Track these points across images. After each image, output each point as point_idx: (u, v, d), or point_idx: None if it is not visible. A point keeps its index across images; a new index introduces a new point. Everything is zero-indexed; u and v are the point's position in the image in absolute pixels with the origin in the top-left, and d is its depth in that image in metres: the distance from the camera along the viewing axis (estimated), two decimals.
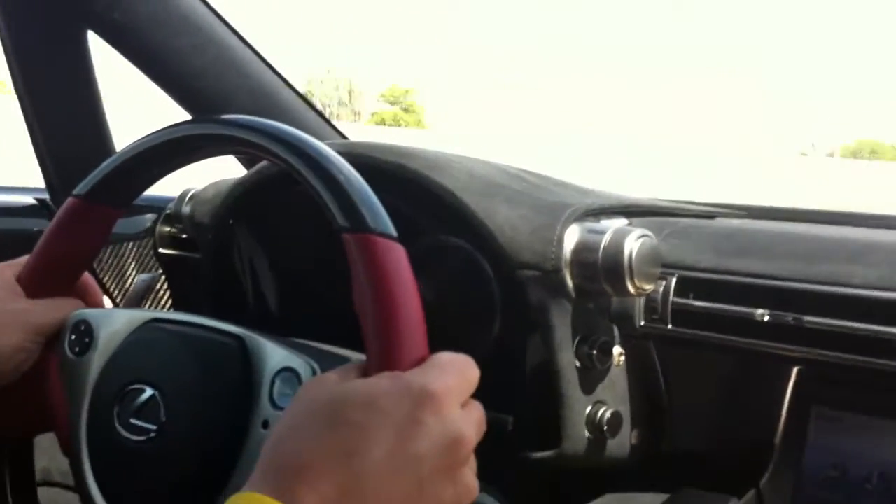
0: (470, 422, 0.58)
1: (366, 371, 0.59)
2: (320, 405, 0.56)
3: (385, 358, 0.59)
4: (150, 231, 1.35)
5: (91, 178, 0.76)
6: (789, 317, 0.84)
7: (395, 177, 0.94)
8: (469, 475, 0.58)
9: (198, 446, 0.71)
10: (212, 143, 0.73)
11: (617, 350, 0.91)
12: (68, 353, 0.76)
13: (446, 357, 0.60)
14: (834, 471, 0.90)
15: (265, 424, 0.69)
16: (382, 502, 0.53)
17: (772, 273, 0.86)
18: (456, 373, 0.58)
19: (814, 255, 0.87)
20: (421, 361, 0.59)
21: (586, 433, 0.90)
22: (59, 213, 0.77)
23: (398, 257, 0.61)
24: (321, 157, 0.65)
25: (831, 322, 0.82)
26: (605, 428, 0.90)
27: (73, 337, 0.76)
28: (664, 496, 0.96)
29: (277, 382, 0.70)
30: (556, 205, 0.90)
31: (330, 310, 1.06)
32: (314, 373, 0.71)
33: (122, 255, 1.35)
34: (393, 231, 0.62)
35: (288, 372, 0.71)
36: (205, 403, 0.72)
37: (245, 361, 0.71)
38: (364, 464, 0.53)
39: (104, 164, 0.76)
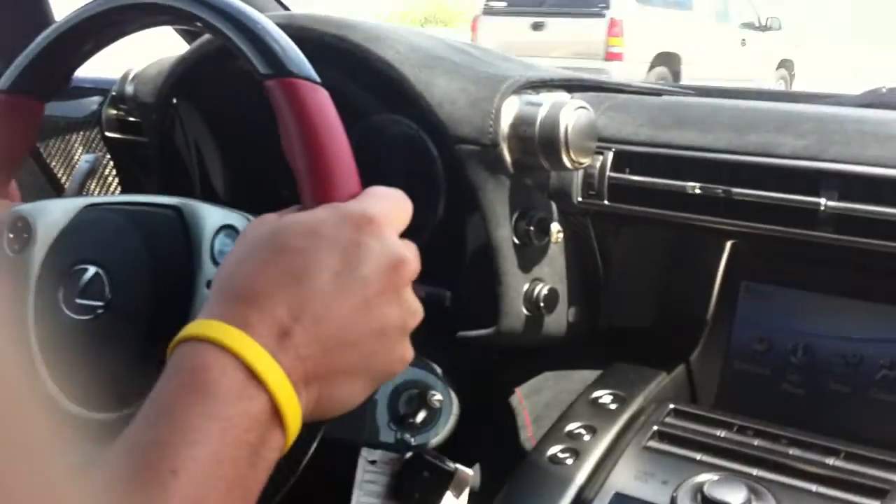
0: (409, 248, 0.60)
1: (301, 208, 0.61)
2: (265, 238, 0.57)
3: (319, 192, 0.60)
4: (97, 114, 1.33)
5: (11, 72, 0.74)
6: (719, 189, 0.85)
7: (336, 49, 0.93)
8: (413, 298, 0.60)
9: (145, 316, 0.71)
10: (125, 14, 0.72)
11: (555, 226, 0.92)
12: (8, 251, 0.75)
13: (380, 188, 0.61)
14: (760, 344, 0.92)
15: (209, 284, 0.70)
16: (331, 322, 0.55)
17: (704, 145, 0.87)
18: (392, 200, 0.61)
19: (745, 125, 0.88)
20: (355, 195, 0.61)
21: (524, 310, 0.91)
22: None
23: (322, 98, 0.62)
24: (236, 11, 0.65)
25: (759, 193, 0.84)
26: (542, 305, 0.91)
27: (11, 235, 0.75)
28: (596, 373, 0.98)
29: (218, 240, 0.71)
30: (496, 77, 0.90)
31: (277, 192, 1.06)
32: None
33: (70, 140, 1.34)
34: (315, 76, 0.63)
35: (227, 229, 0.72)
36: (148, 274, 0.72)
37: (184, 227, 0.72)
38: (312, 286, 0.55)
39: (22, 55, 0.74)
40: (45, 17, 1.38)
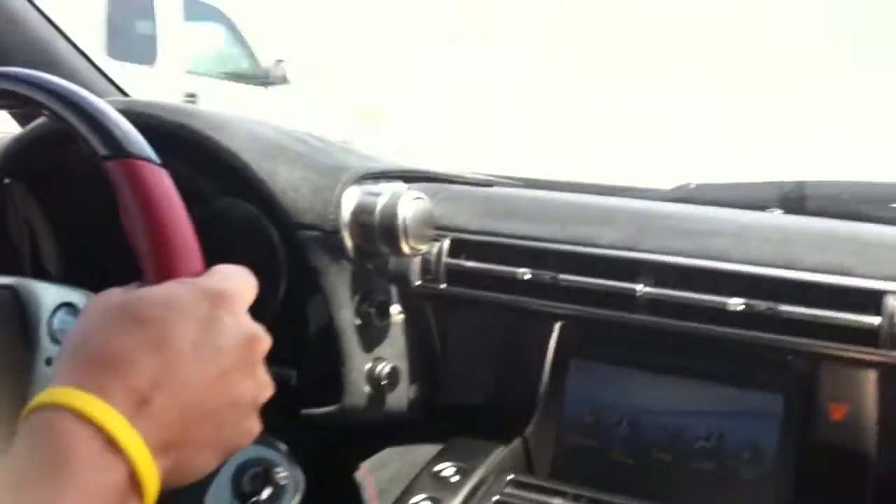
0: (260, 328, 0.61)
1: (146, 284, 0.60)
2: (117, 309, 0.56)
3: (165, 270, 0.60)
4: None
5: None
6: (547, 275, 0.92)
7: (177, 137, 0.94)
8: (264, 373, 0.60)
9: None
10: None
11: (395, 308, 0.96)
12: None
13: (227, 266, 0.62)
14: (590, 417, 0.98)
15: (48, 362, 0.69)
16: (189, 391, 0.54)
17: (532, 234, 0.94)
18: (239, 278, 0.61)
19: (568, 218, 0.96)
20: (199, 273, 0.61)
21: (366, 388, 0.95)
22: None
23: (162, 178, 0.63)
24: (74, 95, 0.65)
25: (582, 280, 0.91)
26: (384, 382, 0.95)
27: None
28: (439, 447, 1.01)
29: (56, 318, 0.71)
30: (336, 168, 0.94)
31: (112, 275, 1.04)
32: None
33: None
34: (155, 157, 0.63)
35: (67, 306, 0.72)
36: None
37: (18, 306, 0.71)
38: (171, 356, 0.54)
39: None
40: None
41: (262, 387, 0.60)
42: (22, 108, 0.89)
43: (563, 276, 0.91)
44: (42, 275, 1.09)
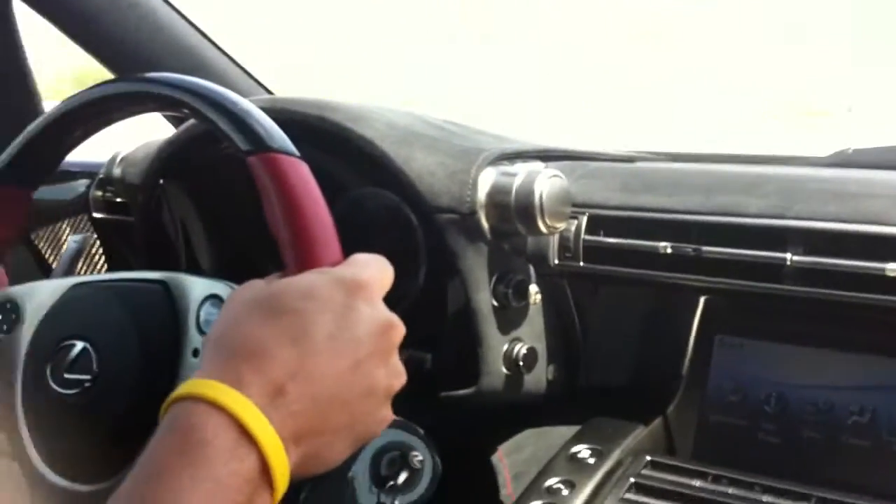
0: (394, 315, 0.62)
1: (287, 275, 0.62)
2: (258, 300, 0.58)
3: (305, 259, 0.62)
4: (84, 197, 1.36)
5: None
6: (690, 248, 0.89)
7: (318, 129, 0.97)
8: (398, 362, 0.62)
9: (133, 389, 0.72)
10: (113, 103, 0.74)
11: (533, 288, 0.96)
12: None
13: (362, 256, 0.63)
14: (735, 395, 0.95)
15: (195, 353, 0.71)
16: (324, 381, 0.56)
17: (673, 207, 0.92)
18: (377, 267, 0.62)
19: (712, 188, 0.92)
20: (338, 262, 0.63)
21: (504, 369, 0.95)
22: None
23: (302, 171, 0.64)
24: (214, 94, 0.68)
25: (728, 251, 0.88)
26: (522, 364, 0.95)
27: (0, 317, 0.77)
28: (576, 429, 1.00)
29: (203, 310, 0.73)
30: (472, 150, 0.94)
31: (262, 269, 1.08)
32: None
33: (58, 223, 1.36)
34: (295, 150, 0.65)
35: (213, 298, 0.73)
36: (135, 347, 0.73)
37: (170, 299, 0.74)
38: (308, 346, 0.56)
39: (12, 145, 0.76)
40: (34, 102, 1.42)
41: (396, 375, 0.61)
42: (171, 111, 0.93)
43: (707, 249, 0.88)
44: (196, 270, 1.15)
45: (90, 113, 0.75)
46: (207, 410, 0.53)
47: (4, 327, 0.76)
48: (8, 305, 0.77)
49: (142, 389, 0.72)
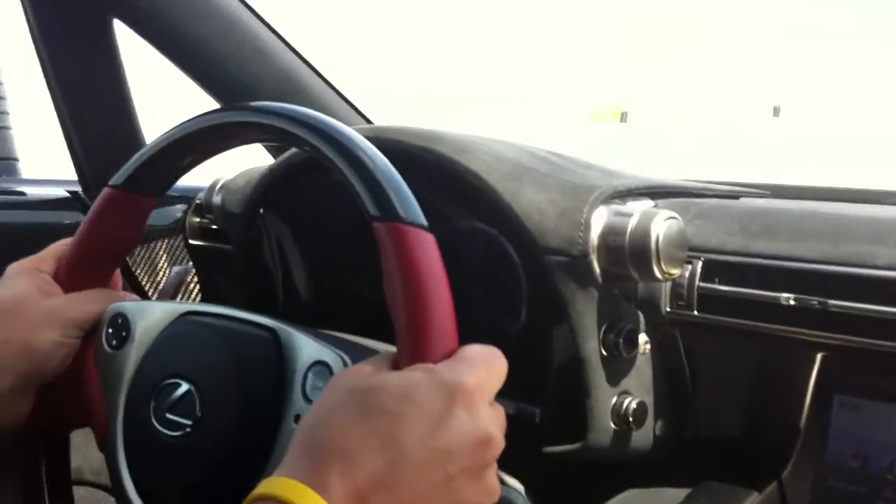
0: (497, 422, 0.59)
1: (396, 363, 0.60)
2: (355, 393, 0.56)
3: (416, 350, 0.60)
4: (181, 222, 1.36)
5: (127, 168, 0.77)
6: (814, 301, 0.84)
7: (423, 161, 0.94)
8: (493, 477, 0.58)
9: (232, 441, 0.71)
10: (242, 130, 0.74)
11: (643, 338, 0.91)
12: (105, 346, 0.76)
13: (476, 350, 0.60)
14: (855, 461, 0.89)
15: (297, 419, 0.69)
16: (409, 494, 0.53)
17: (797, 255, 0.86)
18: (486, 367, 0.59)
19: (839, 235, 0.87)
20: (451, 354, 0.60)
21: (612, 425, 0.90)
22: (96, 203, 0.78)
23: (429, 247, 0.62)
24: (351, 145, 0.66)
25: (856, 305, 0.82)
26: (631, 419, 0.90)
27: (111, 330, 0.77)
28: (685, 490, 0.95)
29: (310, 376, 0.70)
30: (583, 187, 0.90)
31: (361, 299, 1.07)
32: (345, 366, 0.71)
33: (154, 248, 1.37)
34: (423, 220, 0.63)
35: (320, 365, 0.71)
36: (239, 398, 0.72)
37: (278, 354, 0.72)
38: (397, 454, 0.53)
39: (139, 153, 0.77)
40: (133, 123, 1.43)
41: (489, 493, 0.58)
42: (295, 147, 0.92)
43: (833, 302, 0.83)
44: (294, 299, 1.13)
45: (213, 136, 0.75)
46: None
47: (114, 342, 0.77)
48: (119, 321, 0.77)
49: (241, 445, 0.71)
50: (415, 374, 0.57)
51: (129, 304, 0.78)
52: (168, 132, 0.76)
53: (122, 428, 0.75)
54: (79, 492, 1.17)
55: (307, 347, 0.72)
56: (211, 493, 0.71)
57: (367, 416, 0.55)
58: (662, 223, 0.86)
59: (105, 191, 0.78)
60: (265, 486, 0.53)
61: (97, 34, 1.35)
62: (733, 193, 1.10)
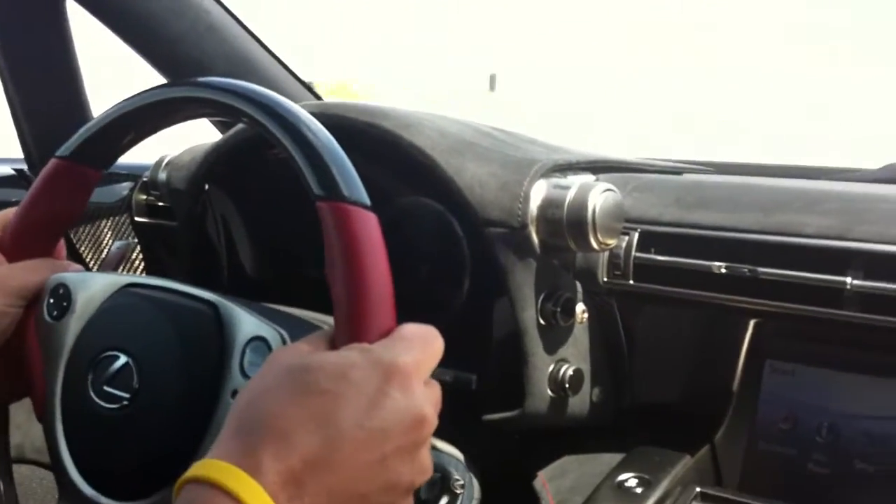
0: (433, 401, 0.59)
1: (333, 341, 0.61)
2: (291, 371, 0.56)
3: (353, 329, 0.60)
4: (127, 200, 1.36)
5: (74, 140, 0.77)
6: (745, 268, 0.86)
7: (368, 136, 0.95)
8: (427, 455, 0.59)
9: (169, 415, 0.71)
10: (188, 105, 0.74)
11: (580, 307, 0.92)
12: (46, 316, 0.76)
13: (412, 329, 0.61)
14: (785, 423, 0.92)
15: (234, 394, 0.69)
16: (344, 474, 0.54)
17: (730, 225, 0.89)
18: (422, 346, 0.60)
19: (770, 205, 0.89)
20: (388, 333, 0.60)
21: (549, 392, 0.91)
22: (42, 173, 0.78)
23: (371, 227, 0.62)
24: (296, 121, 0.66)
25: (785, 273, 0.85)
26: (567, 386, 0.91)
27: (52, 301, 0.76)
28: (620, 456, 0.97)
29: (248, 352, 0.70)
30: (524, 161, 0.92)
31: (304, 275, 1.08)
32: (284, 342, 0.72)
33: (99, 225, 1.36)
34: (366, 199, 0.63)
35: (258, 341, 0.71)
36: (177, 371, 0.72)
37: (218, 329, 0.72)
38: (333, 433, 0.53)
39: (86, 126, 0.77)
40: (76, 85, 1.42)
41: (422, 471, 0.58)
42: (241, 123, 0.91)
43: (763, 270, 0.85)
44: (240, 273, 1.14)
45: (160, 111, 0.75)
46: (219, 498, 0.51)
47: (55, 313, 0.76)
48: (61, 291, 0.77)
49: (178, 418, 0.71)
50: (351, 354, 0.57)
51: (72, 275, 0.78)
52: (115, 106, 0.76)
53: (60, 399, 0.75)
54: (20, 470, 1.16)
55: (246, 322, 0.72)
56: (149, 465, 0.71)
57: (302, 395, 0.55)
58: (599, 195, 0.88)
59: (52, 161, 0.77)
60: (197, 469, 0.53)
61: (47, 9, 1.34)
62: (675, 169, 1.13)
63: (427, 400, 0.58)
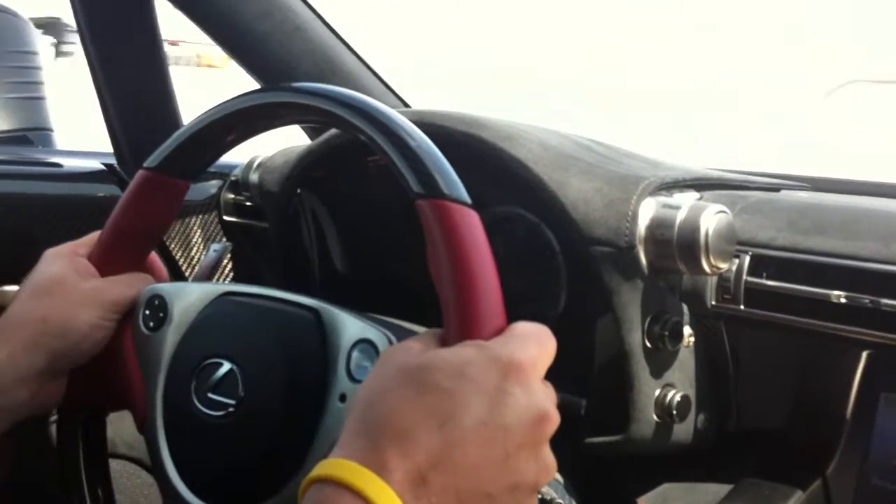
0: (552, 399, 0.58)
1: (444, 340, 0.59)
2: (409, 371, 0.55)
3: (466, 326, 0.58)
4: (216, 198, 1.35)
5: (162, 151, 0.76)
6: (867, 299, 0.82)
7: (468, 147, 0.93)
8: (550, 454, 0.57)
9: (276, 421, 0.70)
10: (284, 111, 0.73)
11: (687, 331, 0.90)
12: (143, 328, 0.76)
13: (526, 327, 0.59)
14: None
15: (342, 398, 0.68)
16: (469, 473, 0.52)
17: (850, 253, 0.85)
18: (537, 343, 0.58)
19: (889, 234, 0.85)
20: (500, 331, 0.59)
21: (654, 417, 0.89)
22: (131, 186, 0.77)
23: (473, 223, 0.61)
24: (394, 125, 0.65)
25: None
26: (675, 412, 0.89)
27: (147, 312, 0.76)
28: (726, 486, 0.94)
29: (354, 354, 0.70)
30: (629, 177, 0.89)
31: (397, 279, 1.06)
32: (391, 343, 0.70)
33: (188, 223, 1.36)
34: (467, 197, 0.62)
35: (365, 343, 0.70)
36: (281, 377, 0.71)
37: (321, 334, 0.71)
38: (455, 432, 0.52)
39: (174, 135, 0.76)
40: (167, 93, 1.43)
41: (546, 470, 0.57)
42: (339, 129, 0.90)
43: (886, 301, 0.81)
44: (331, 275, 1.13)
45: (253, 117, 0.74)
46: (348, 497, 0.51)
47: (151, 324, 0.76)
48: (156, 302, 0.76)
49: (285, 422, 0.70)
50: (466, 350, 0.56)
51: (166, 286, 0.78)
52: (206, 112, 0.75)
53: (161, 409, 0.74)
54: (113, 465, 1.17)
55: (351, 326, 0.71)
56: (255, 471, 0.70)
57: (423, 393, 0.54)
58: (712, 217, 0.85)
59: (140, 173, 0.77)
60: (323, 468, 0.52)
61: (138, 11, 1.35)
62: (773, 186, 1.09)
63: (547, 397, 0.57)
